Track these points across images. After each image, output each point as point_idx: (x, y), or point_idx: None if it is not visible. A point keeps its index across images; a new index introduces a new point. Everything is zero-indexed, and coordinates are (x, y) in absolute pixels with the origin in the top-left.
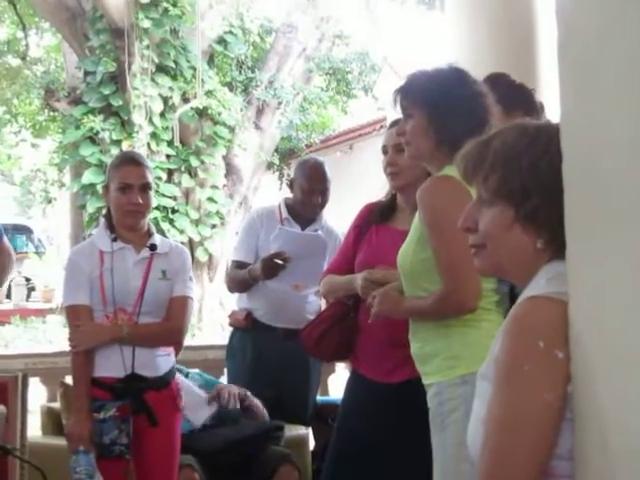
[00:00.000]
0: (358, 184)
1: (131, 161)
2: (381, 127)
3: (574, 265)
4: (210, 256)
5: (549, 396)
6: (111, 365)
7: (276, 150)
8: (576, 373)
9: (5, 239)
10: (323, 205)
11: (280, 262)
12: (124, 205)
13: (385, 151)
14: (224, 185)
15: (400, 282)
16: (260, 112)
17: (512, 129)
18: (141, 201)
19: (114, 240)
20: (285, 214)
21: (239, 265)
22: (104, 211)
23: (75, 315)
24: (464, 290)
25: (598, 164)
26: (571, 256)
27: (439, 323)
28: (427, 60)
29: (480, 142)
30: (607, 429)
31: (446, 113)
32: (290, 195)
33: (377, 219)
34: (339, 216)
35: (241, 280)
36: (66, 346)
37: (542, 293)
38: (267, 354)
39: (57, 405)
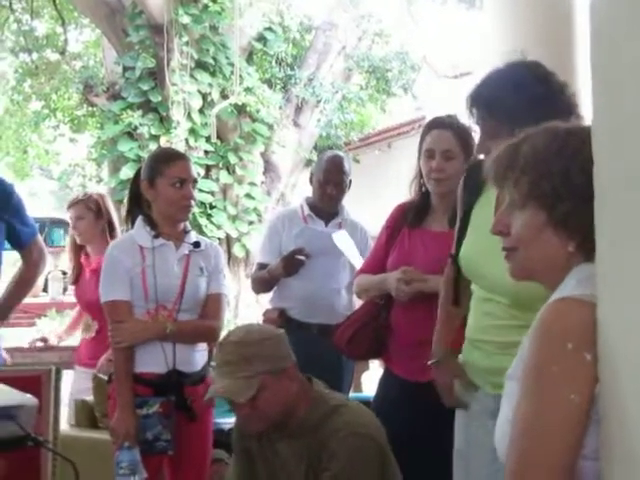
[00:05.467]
0: (396, 182)
1: (182, 156)
2: (419, 126)
3: (603, 268)
4: (247, 252)
5: (576, 398)
6: (153, 361)
7: (315, 148)
8: (603, 375)
9: (39, 237)
10: (339, 197)
11: (301, 258)
12: (180, 200)
13: (431, 155)
14: (262, 182)
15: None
16: (299, 110)
17: (542, 133)
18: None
19: (155, 237)
20: (307, 211)
21: (262, 267)
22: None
23: (116, 311)
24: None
25: (629, 168)
26: (600, 259)
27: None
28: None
29: (510, 146)
30: (633, 430)
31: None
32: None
33: (410, 222)
34: (377, 214)
35: (262, 280)
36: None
37: (572, 295)
38: (302, 351)
39: (90, 398)
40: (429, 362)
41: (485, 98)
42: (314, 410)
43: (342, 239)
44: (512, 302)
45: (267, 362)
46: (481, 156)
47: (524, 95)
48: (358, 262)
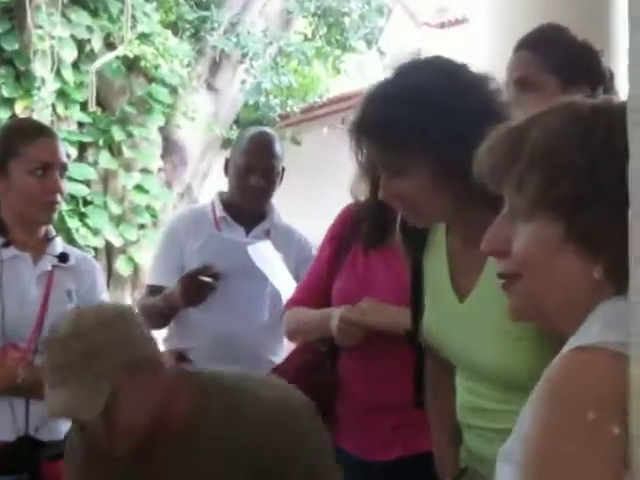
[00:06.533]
0: (351, 172)
1: (46, 131)
2: None
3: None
4: (135, 268)
5: None
6: None
7: (236, 122)
8: (637, 456)
9: None
10: (267, 192)
11: (207, 280)
12: (41, 194)
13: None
14: (160, 169)
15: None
16: (216, 67)
17: (558, 112)
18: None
19: (5, 245)
20: (220, 212)
21: (154, 291)
22: None
23: None
24: None
25: None
26: (636, 290)
27: None
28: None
29: (512, 130)
30: None
31: (456, 153)
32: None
33: (365, 240)
34: (324, 215)
35: (153, 310)
36: None
37: (596, 343)
38: None
39: None
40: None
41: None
42: (206, 399)
43: (263, 253)
44: (503, 386)
45: (114, 354)
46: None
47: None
48: (288, 288)
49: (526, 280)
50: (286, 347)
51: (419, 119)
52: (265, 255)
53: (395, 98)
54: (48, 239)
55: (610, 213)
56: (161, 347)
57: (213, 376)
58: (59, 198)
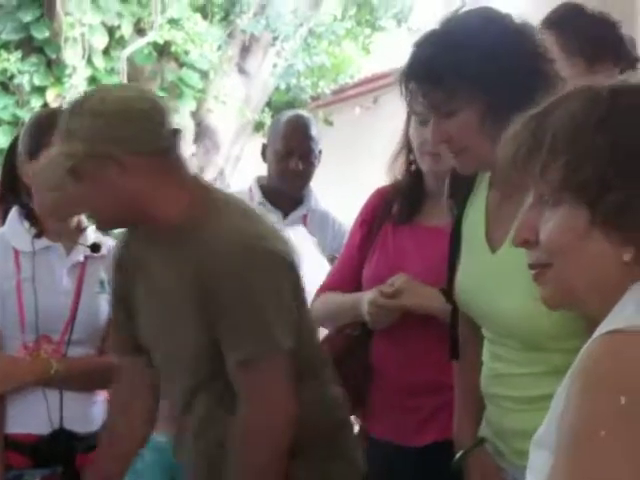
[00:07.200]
0: (384, 153)
1: None
2: None
3: None
4: None
5: (633, 473)
6: (32, 418)
7: (268, 105)
8: None
9: None
10: (307, 175)
11: None
12: None
13: (425, 119)
14: (192, 154)
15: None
16: (246, 50)
17: (576, 95)
18: None
19: (37, 236)
20: (259, 198)
21: None
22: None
23: None
24: None
25: None
26: None
27: None
28: None
29: (532, 118)
30: None
31: (504, 95)
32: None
33: (397, 216)
34: (357, 195)
35: None
36: None
37: (628, 326)
38: None
39: None
40: (454, 459)
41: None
42: (190, 210)
43: (293, 239)
44: (523, 343)
45: (92, 143)
46: (443, 149)
47: (480, 41)
48: (320, 273)
49: (556, 267)
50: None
51: (467, 60)
52: (297, 241)
53: (443, 41)
54: (81, 229)
55: (637, 194)
56: None
57: (212, 194)
58: None
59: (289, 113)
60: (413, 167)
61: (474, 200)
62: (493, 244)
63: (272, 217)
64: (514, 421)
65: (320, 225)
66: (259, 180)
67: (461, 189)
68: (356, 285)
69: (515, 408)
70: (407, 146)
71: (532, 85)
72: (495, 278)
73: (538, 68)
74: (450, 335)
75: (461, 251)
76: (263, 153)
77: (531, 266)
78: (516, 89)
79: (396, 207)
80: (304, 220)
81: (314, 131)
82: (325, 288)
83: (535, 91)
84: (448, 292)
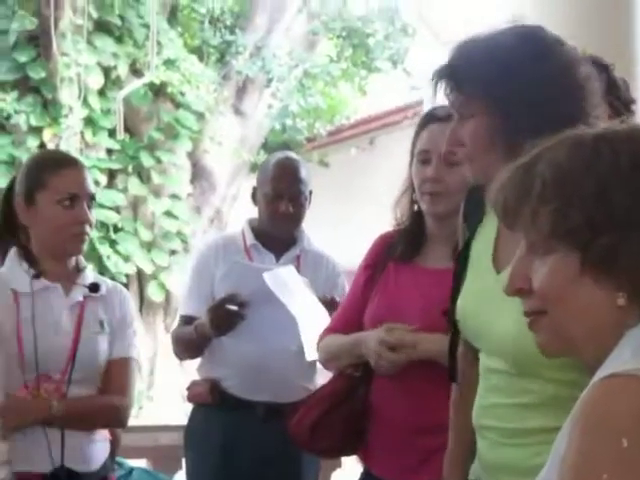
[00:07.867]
0: (380, 194)
1: (74, 162)
2: (415, 114)
3: None
4: (167, 295)
5: None
6: (32, 456)
7: (264, 146)
8: None
9: None
10: (297, 217)
11: (233, 308)
12: (70, 225)
13: (426, 158)
14: (189, 194)
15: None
16: (242, 92)
17: (562, 144)
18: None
19: (35, 277)
20: (251, 240)
21: (187, 321)
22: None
23: None
24: None
25: None
26: None
27: None
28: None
29: (520, 167)
30: None
31: (522, 120)
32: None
33: (398, 255)
34: (352, 235)
35: (187, 340)
36: None
37: (626, 370)
38: (241, 441)
39: None
40: None
41: (454, 64)
42: None
43: (282, 279)
44: (515, 366)
45: None
46: (460, 154)
47: (506, 52)
48: (311, 312)
49: (551, 315)
50: (326, 374)
51: (488, 75)
52: (285, 280)
53: (472, 49)
54: (79, 269)
55: (626, 237)
56: (196, 376)
57: None
58: (88, 229)
59: (278, 155)
60: (416, 207)
61: (486, 222)
62: (499, 265)
63: (265, 259)
64: (497, 455)
65: (314, 265)
66: (251, 222)
67: (475, 213)
68: (360, 327)
69: (500, 441)
70: (411, 186)
71: (560, 119)
72: (495, 298)
73: (571, 103)
74: (449, 356)
75: (467, 273)
76: (253, 196)
77: (526, 314)
78: (538, 118)
79: (399, 247)
80: (297, 261)
81: (303, 173)
82: (329, 330)
83: (564, 126)
84: (449, 314)
